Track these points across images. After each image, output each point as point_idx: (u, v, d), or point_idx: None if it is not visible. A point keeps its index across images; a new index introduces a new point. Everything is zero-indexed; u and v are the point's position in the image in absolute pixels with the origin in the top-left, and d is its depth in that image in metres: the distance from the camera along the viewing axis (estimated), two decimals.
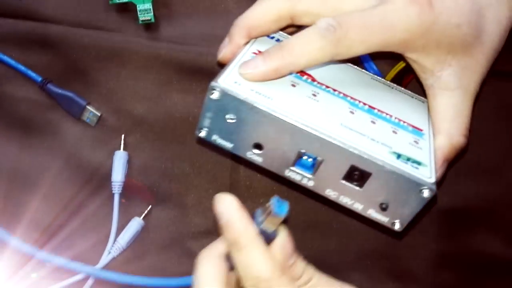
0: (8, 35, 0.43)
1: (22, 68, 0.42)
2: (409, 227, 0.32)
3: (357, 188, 0.30)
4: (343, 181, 0.30)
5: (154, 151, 0.43)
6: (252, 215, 0.29)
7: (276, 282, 0.27)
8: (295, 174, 0.31)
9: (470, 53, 0.32)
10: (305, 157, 0.30)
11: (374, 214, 0.31)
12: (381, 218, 0.31)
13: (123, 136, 0.43)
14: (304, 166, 0.30)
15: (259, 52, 0.33)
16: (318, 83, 0.32)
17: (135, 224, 0.43)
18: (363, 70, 0.37)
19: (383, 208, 0.30)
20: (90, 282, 0.42)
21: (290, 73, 0.32)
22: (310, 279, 0.30)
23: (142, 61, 0.42)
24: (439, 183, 0.32)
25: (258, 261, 0.27)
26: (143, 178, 0.43)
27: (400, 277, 0.43)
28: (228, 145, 0.31)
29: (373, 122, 0.31)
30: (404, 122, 0.32)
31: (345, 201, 0.31)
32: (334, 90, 0.32)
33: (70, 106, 0.42)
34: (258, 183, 0.42)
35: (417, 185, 0.28)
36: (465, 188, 0.42)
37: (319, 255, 0.41)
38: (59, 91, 0.42)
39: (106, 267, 0.43)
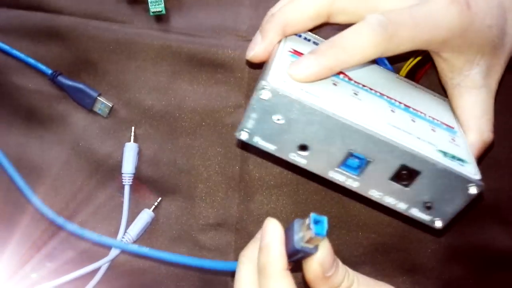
0: (18, 26, 0.43)
1: (32, 61, 0.43)
2: (448, 227, 0.32)
3: (404, 188, 0.30)
4: (390, 181, 0.30)
5: (163, 143, 0.43)
6: (289, 228, 0.29)
7: None
8: (340, 175, 0.30)
9: (495, 54, 0.33)
10: (352, 158, 0.29)
11: (417, 213, 0.31)
12: (424, 217, 0.31)
13: (133, 128, 0.43)
14: (351, 167, 0.30)
15: (295, 51, 0.32)
16: (355, 82, 0.32)
17: (146, 216, 0.43)
18: (385, 68, 0.38)
19: (428, 207, 0.30)
20: (99, 274, 0.43)
21: (341, 70, 0.31)
22: (350, 285, 0.30)
23: (153, 53, 0.42)
24: None
25: None
26: (152, 170, 0.43)
27: (410, 270, 0.43)
28: (271, 147, 0.30)
29: (413, 121, 0.31)
30: (437, 120, 0.33)
31: (389, 201, 0.31)
32: (371, 89, 0.32)
33: (81, 98, 0.42)
34: (268, 174, 0.42)
35: (466, 182, 0.29)
36: None
37: None
38: (70, 83, 0.42)
39: (116, 259, 0.43)
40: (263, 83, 0.27)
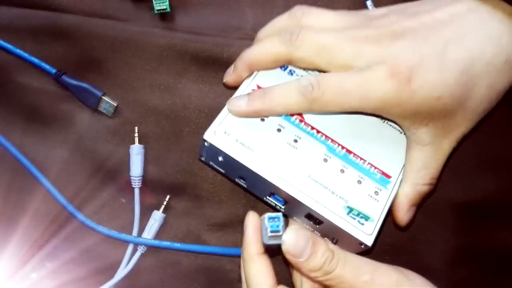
0: (21, 25, 0.43)
1: (35, 60, 0.42)
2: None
3: (315, 225, 0.35)
4: (305, 218, 0.35)
5: (169, 143, 0.43)
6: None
7: None
8: (271, 201, 0.36)
9: (449, 117, 0.33)
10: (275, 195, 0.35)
11: (328, 242, 0.35)
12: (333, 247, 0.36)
13: (136, 128, 0.42)
14: (277, 200, 0.36)
15: (258, 87, 0.36)
16: (305, 124, 0.36)
17: (157, 218, 0.42)
18: None
19: (335, 242, 0.36)
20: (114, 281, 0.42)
21: (269, 116, 0.36)
22: (333, 268, 0.32)
23: (157, 51, 0.42)
24: (406, 227, 0.37)
25: (256, 276, 0.34)
26: (158, 170, 0.43)
27: (418, 272, 0.42)
28: (221, 170, 0.37)
29: (342, 171, 0.35)
30: (375, 168, 0.35)
31: (308, 227, 0.36)
32: (318, 132, 0.36)
33: (86, 97, 0.42)
34: None
35: (356, 240, 0.33)
36: (485, 182, 0.42)
37: None
38: (74, 82, 0.42)
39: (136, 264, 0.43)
40: (204, 136, 0.34)
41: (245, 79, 0.37)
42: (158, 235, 0.43)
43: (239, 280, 0.43)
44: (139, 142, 0.42)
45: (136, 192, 0.42)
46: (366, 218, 0.34)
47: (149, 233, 0.42)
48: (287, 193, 0.34)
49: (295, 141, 0.35)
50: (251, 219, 0.35)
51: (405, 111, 0.33)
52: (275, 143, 0.35)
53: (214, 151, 0.34)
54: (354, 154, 0.35)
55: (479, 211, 0.42)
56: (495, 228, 0.42)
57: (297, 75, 0.37)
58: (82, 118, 0.43)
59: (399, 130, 0.37)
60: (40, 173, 0.42)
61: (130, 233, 0.42)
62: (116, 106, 0.42)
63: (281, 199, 0.35)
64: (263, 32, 0.38)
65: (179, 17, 0.42)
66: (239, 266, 0.42)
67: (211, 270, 0.43)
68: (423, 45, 0.32)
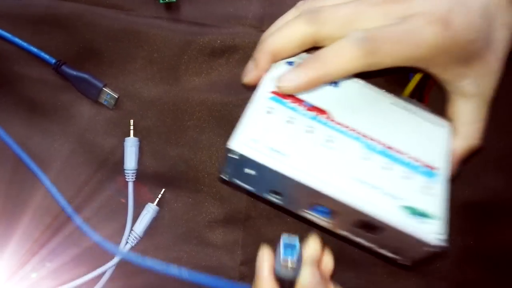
0: (20, 14, 0.42)
1: (34, 50, 0.41)
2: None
3: (371, 235, 0.31)
4: (357, 229, 0.31)
5: (170, 136, 0.42)
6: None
7: None
8: (311, 216, 0.33)
9: (484, 62, 0.33)
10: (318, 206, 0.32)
11: (386, 253, 0.33)
12: (394, 256, 0.33)
13: (132, 121, 0.41)
14: (321, 212, 0.32)
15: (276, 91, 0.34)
16: (335, 122, 0.32)
17: (150, 211, 0.41)
18: (383, 91, 0.36)
19: (395, 252, 0.32)
20: (107, 274, 0.42)
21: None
22: None
23: (161, 43, 0.41)
24: (455, 176, 0.34)
25: None
26: (158, 164, 0.42)
27: (423, 272, 0.42)
28: (249, 187, 0.33)
29: (386, 169, 0.31)
30: (418, 161, 0.32)
31: (359, 241, 0.33)
32: (351, 129, 0.32)
33: (87, 88, 0.41)
34: None
35: (423, 242, 0.29)
36: (493, 181, 0.41)
37: (340, 249, 0.40)
38: (74, 73, 0.41)
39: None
40: (230, 146, 0.29)
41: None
42: (156, 231, 0.42)
43: (239, 278, 0.42)
44: (138, 135, 0.42)
45: (130, 185, 0.41)
46: (428, 216, 0.30)
47: (140, 225, 0.41)
48: (338, 200, 0.29)
49: (329, 141, 0.32)
50: (263, 254, 0.32)
51: (448, 59, 0.32)
52: (310, 146, 0.31)
53: (243, 163, 0.30)
54: (393, 149, 0.32)
55: (486, 211, 0.42)
56: (503, 228, 0.42)
57: None
58: (82, 110, 0.42)
59: (430, 120, 0.35)
60: (41, 170, 0.41)
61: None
62: (117, 98, 0.41)
63: (326, 210, 0.32)
64: (272, 30, 0.36)
65: (184, 7, 0.41)
66: (240, 264, 0.42)
67: (212, 268, 0.42)
68: None
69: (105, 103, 0.41)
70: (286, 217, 0.41)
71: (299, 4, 0.36)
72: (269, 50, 0.34)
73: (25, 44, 0.41)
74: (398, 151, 0.32)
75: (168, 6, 0.41)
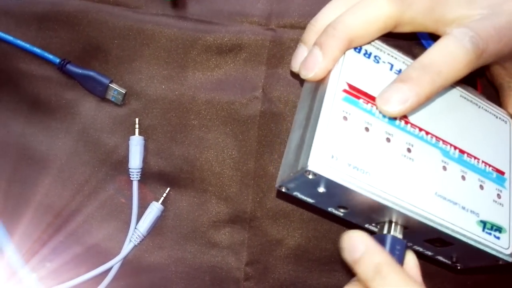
0: (25, 12, 0.41)
1: (38, 51, 0.41)
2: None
3: (437, 248, 0.31)
4: (426, 243, 0.31)
5: (176, 135, 0.41)
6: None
7: None
8: (374, 228, 0.32)
9: None
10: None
11: (441, 258, 0.33)
12: (447, 261, 0.33)
13: (137, 120, 0.41)
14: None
15: (352, 89, 0.29)
16: (412, 125, 0.30)
17: (154, 209, 0.41)
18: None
19: (454, 261, 0.32)
20: (112, 273, 0.41)
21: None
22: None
23: (167, 40, 0.41)
24: None
25: (406, 284, 0.26)
26: (163, 163, 0.42)
27: (430, 274, 0.41)
28: (310, 200, 0.31)
29: (463, 178, 0.30)
30: (489, 166, 0.32)
31: (419, 249, 0.32)
32: (427, 133, 0.30)
33: (93, 86, 0.41)
34: None
35: (494, 258, 0.30)
36: None
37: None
38: (80, 71, 0.41)
39: (127, 255, 0.41)
40: (308, 167, 0.26)
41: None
42: (161, 231, 0.42)
43: (245, 279, 0.41)
44: (143, 134, 0.41)
45: (135, 184, 0.41)
46: (500, 229, 0.30)
47: (144, 224, 0.41)
48: (416, 220, 0.28)
49: (409, 150, 0.29)
50: (364, 235, 0.28)
51: None
52: (390, 159, 0.29)
53: (318, 182, 0.28)
54: (468, 154, 0.31)
55: None
56: None
57: (383, 62, 0.31)
58: (87, 108, 0.42)
59: (493, 113, 0.33)
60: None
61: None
62: (125, 94, 0.41)
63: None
64: (319, 19, 0.31)
65: (191, 4, 0.41)
66: (245, 264, 0.41)
67: (217, 268, 0.42)
68: None
69: (112, 99, 0.41)
70: (292, 217, 0.41)
71: None
72: (343, 36, 0.29)
73: (27, 46, 0.41)
74: (472, 156, 0.31)
75: (175, 4, 0.41)
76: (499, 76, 0.34)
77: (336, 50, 0.29)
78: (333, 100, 0.28)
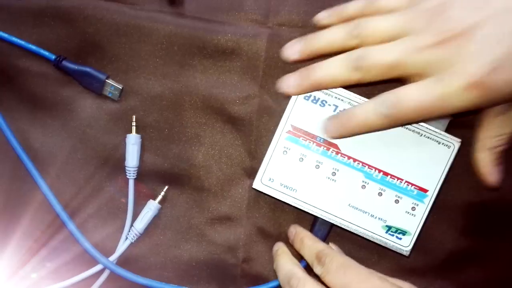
0: (21, 7, 0.41)
1: (33, 47, 0.40)
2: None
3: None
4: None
5: (172, 133, 0.41)
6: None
7: None
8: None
9: None
10: None
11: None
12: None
13: (134, 117, 0.41)
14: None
15: (294, 129, 0.39)
16: (341, 155, 0.39)
17: (151, 207, 0.41)
18: None
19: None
20: (108, 271, 0.41)
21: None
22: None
23: (164, 38, 0.40)
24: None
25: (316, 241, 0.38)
26: (160, 160, 0.42)
27: (425, 272, 0.42)
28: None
29: (380, 194, 0.39)
30: (412, 185, 0.39)
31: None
32: (355, 160, 0.38)
33: (89, 82, 0.40)
34: None
35: (398, 251, 0.39)
36: (502, 182, 0.40)
37: (342, 248, 0.40)
38: (76, 67, 0.40)
39: (124, 253, 0.41)
40: (253, 187, 0.39)
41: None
42: (157, 228, 0.42)
43: (241, 275, 0.42)
44: (140, 132, 0.41)
45: (131, 183, 0.41)
46: (404, 232, 0.39)
47: (141, 222, 0.41)
48: (331, 223, 0.39)
49: (334, 174, 0.38)
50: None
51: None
52: (315, 180, 0.39)
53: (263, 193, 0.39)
54: (391, 176, 0.39)
55: (491, 212, 0.41)
56: (507, 230, 0.41)
57: (329, 105, 0.38)
58: (84, 105, 0.41)
59: (437, 140, 0.39)
60: (39, 175, 0.41)
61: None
62: (122, 89, 0.41)
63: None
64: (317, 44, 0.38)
65: (188, 2, 0.40)
66: (242, 261, 0.41)
67: (213, 264, 0.42)
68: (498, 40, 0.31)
69: (109, 95, 0.41)
70: (288, 214, 0.41)
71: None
72: (311, 81, 0.37)
73: (23, 43, 0.40)
74: (395, 177, 0.38)
75: (172, 0, 0.40)
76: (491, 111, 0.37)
77: (304, 87, 0.38)
78: (278, 139, 0.39)
